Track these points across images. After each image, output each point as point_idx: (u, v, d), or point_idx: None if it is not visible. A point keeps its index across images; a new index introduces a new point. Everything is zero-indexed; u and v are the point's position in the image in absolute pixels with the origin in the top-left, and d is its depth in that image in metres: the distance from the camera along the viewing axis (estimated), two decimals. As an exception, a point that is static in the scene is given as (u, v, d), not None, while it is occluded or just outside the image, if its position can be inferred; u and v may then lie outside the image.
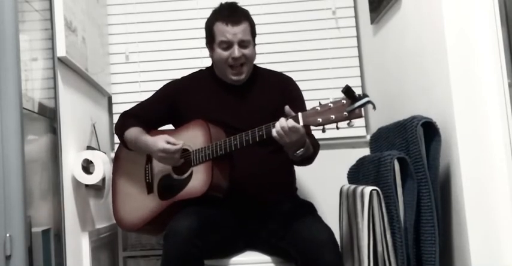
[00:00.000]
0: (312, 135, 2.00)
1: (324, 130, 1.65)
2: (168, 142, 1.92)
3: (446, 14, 1.68)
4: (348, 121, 1.60)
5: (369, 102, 1.57)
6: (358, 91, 2.62)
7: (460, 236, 1.64)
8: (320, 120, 1.63)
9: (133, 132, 2.07)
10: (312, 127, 1.88)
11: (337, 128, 1.64)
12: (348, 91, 1.57)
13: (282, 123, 1.67)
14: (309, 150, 1.84)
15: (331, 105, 1.62)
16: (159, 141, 1.93)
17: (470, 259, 1.57)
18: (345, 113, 1.59)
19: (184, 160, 1.96)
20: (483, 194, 1.59)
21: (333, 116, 1.60)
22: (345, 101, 1.59)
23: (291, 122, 1.66)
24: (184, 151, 1.98)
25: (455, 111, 1.63)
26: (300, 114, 1.67)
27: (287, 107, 1.70)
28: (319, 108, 1.64)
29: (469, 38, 1.65)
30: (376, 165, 1.83)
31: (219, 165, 1.90)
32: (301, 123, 1.66)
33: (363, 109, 1.59)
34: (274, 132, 1.68)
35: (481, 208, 1.58)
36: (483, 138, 1.61)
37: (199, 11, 2.72)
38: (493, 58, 1.62)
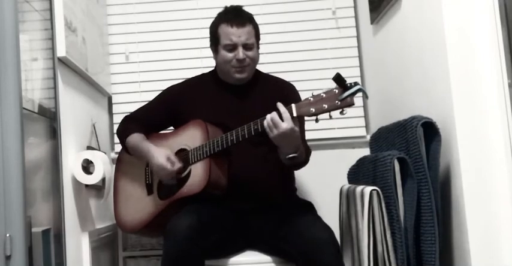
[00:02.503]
0: (304, 139, 2.01)
1: (317, 120, 1.67)
2: (169, 159, 1.94)
3: (446, 14, 1.68)
4: (340, 110, 1.61)
5: (360, 90, 1.58)
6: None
7: (460, 236, 1.64)
8: (313, 110, 1.65)
9: (136, 138, 2.08)
10: (306, 118, 1.89)
11: (330, 117, 1.65)
12: (338, 79, 1.58)
13: (272, 115, 1.71)
14: (301, 156, 1.87)
15: (324, 94, 1.64)
16: (160, 156, 1.95)
17: (470, 259, 1.57)
18: (337, 102, 1.61)
19: (180, 174, 1.96)
20: (483, 194, 1.59)
21: (326, 105, 1.62)
22: (336, 90, 1.61)
23: (281, 108, 1.69)
24: (183, 151, 1.98)
25: (455, 111, 1.63)
26: (293, 105, 1.70)
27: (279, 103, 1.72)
28: (311, 99, 1.66)
29: (469, 38, 1.65)
30: (376, 165, 1.83)
31: (217, 161, 1.91)
32: (295, 114, 1.69)
33: (355, 97, 1.60)
34: (264, 123, 1.71)
35: (481, 208, 1.58)
36: (483, 138, 1.61)
37: (199, 11, 2.73)
38: (493, 58, 1.62)
